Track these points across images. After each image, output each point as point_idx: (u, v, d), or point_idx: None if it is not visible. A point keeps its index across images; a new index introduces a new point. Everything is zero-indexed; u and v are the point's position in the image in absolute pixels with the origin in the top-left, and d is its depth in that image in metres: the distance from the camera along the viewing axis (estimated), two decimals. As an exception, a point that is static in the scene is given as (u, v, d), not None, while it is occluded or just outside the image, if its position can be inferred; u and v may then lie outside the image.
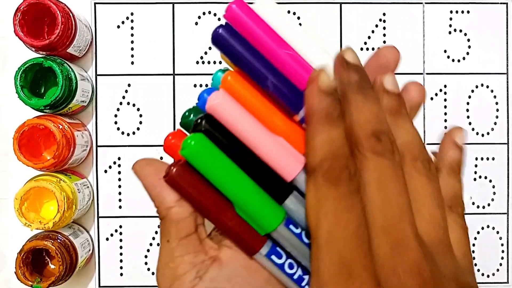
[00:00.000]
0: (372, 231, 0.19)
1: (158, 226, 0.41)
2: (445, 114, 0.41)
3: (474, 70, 0.41)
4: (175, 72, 0.40)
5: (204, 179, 0.19)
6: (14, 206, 0.34)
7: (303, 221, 0.20)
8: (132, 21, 0.40)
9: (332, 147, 0.19)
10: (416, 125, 0.39)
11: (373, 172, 0.19)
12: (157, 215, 0.21)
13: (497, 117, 0.41)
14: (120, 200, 0.41)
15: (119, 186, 0.40)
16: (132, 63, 0.40)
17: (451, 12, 0.41)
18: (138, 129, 0.41)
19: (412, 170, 0.20)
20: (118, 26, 0.40)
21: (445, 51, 0.41)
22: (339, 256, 0.18)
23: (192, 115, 0.22)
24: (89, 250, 0.40)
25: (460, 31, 0.41)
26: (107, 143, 0.40)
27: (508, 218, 0.42)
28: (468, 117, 0.41)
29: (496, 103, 0.41)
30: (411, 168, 0.20)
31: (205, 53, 0.40)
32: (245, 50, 0.20)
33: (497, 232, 0.42)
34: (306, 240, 0.21)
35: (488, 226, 0.42)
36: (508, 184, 0.42)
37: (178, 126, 0.40)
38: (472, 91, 0.41)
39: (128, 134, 0.40)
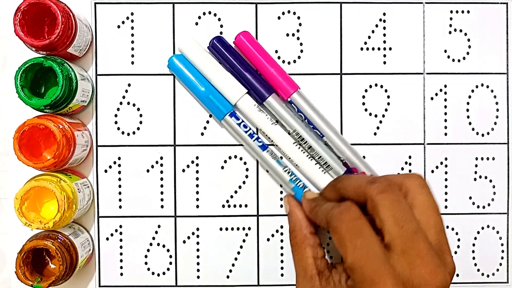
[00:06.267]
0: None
1: (158, 226, 0.41)
2: (445, 114, 0.41)
3: (474, 70, 0.41)
4: (175, 72, 0.40)
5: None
6: (14, 206, 0.34)
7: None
8: (132, 21, 0.40)
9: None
10: (416, 125, 0.40)
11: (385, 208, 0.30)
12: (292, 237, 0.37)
13: (497, 117, 0.41)
14: (120, 200, 0.41)
15: (119, 186, 0.40)
16: (132, 63, 0.40)
17: (451, 12, 0.41)
18: (138, 129, 0.41)
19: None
20: (118, 26, 0.40)
21: (445, 51, 0.41)
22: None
23: None
24: (89, 250, 0.40)
25: (460, 31, 0.41)
26: (107, 143, 0.40)
27: (508, 218, 0.42)
28: (468, 117, 0.41)
29: (496, 103, 0.41)
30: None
31: (205, 53, 0.40)
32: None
33: (497, 232, 0.42)
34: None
35: (488, 226, 0.42)
36: (508, 184, 0.42)
37: (178, 126, 0.40)
38: (472, 91, 0.41)
39: (128, 134, 0.40)
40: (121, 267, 0.41)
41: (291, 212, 0.38)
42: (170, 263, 0.41)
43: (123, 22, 0.40)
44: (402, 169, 0.41)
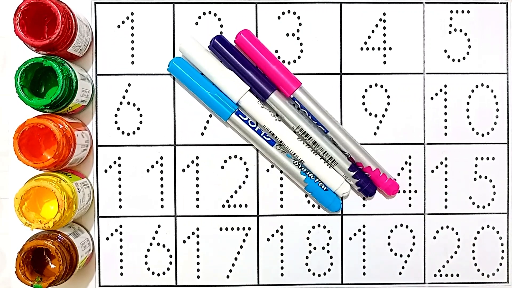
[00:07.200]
0: None
1: (158, 226, 0.41)
2: (445, 114, 0.41)
3: (474, 70, 0.41)
4: (175, 72, 0.40)
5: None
6: (14, 206, 0.34)
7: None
8: (132, 21, 0.40)
9: None
10: (416, 125, 0.40)
11: None
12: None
13: (497, 117, 0.41)
14: (120, 200, 0.41)
15: (119, 186, 0.40)
16: (132, 63, 0.40)
17: (451, 12, 0.41)
18: (138, 129, 0.41)
19: None
20: (118, 26, 0.40)
21: (445, 51, 0.41)
22: None
23: None
24: (89, 249, 0.40)
25: (460, 31, 0.41)
26: (107, 143, 0.40)
27: (508, 218, 0.42)
28: (468, 117, 0.41)
29: (496, 103, 0.41)
30: None
31: (205, 53, 0.40)
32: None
33: (497, 232, 0.42)
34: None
35: (488, 226, 0.42)
36: (508, 184, 0.42)
37: (178, 126, 0.40)
38: (472, 91, 0.41)
39: (128, 134, 0.41)
40: (121, 267, 0.41)
41: None
42: (170, 263, 0.41)
43: (123, 22, 0.40)
44: (402, 169, 0.41)
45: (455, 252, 0.42)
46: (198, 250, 0.41)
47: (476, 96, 0.41)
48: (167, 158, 0.41)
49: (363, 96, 0.41)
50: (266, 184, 0.41)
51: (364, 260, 0.41)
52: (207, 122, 0.41)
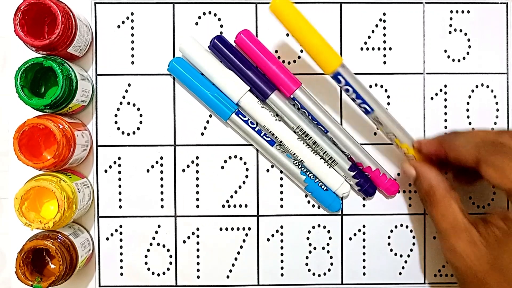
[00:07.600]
0: None
1: (158, 226, 0.41)
2: (445, 114, 0.41)
3: (474, 70, 0.41)
4: (175, 72, 0.40)
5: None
6: (14, 206, 0.34)
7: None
8: (132, 21, 0.40)
9: None
10: (416, 125, 0.39)
11: None
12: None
13: (497, 117, 0.41)
14: (120, 200, 0.41)
15: (119, 186, 0.40)
16: (132, 63, 0.40)
17: (451, 12, 0.41)
18: (138, 129, 0.41)
19: None
20: (118, 26, 0.40)
21: (445, 51, 0.41)
22: None
23: None
24: (89, 250, 0.40)
25: (460, 31, 0.41)
26: (107, 143, 0.40)
27: (508, 218, 0.42)
28: (468, 117, 0.41)
29: (496, 103, 0.41)
30: None
31: (205, 53, 0.40)
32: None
33: (497, 232, 0.42)
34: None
35: (488, 226, 0.42)
36: (508, 184, 0.42)
37: (178, 126, 0.40)
38: (472, 91, 0.41)
39: (128, 134, 0.41)
40: (121, 267, 0.41)
41: (422, 172, 0.37)
42: (170, 263, 0.41)
43: (123, 22, 0.40)
44: (402, 169, 0.41)
45: (455, 252, 0.42)
46: (198, 250, 0.41)
47: (476, 96, 0.41)
48: (167, 158, 0.41)
49: (363, 96, 0.41)
50: (266, 184, 0.41)
51: (364, 260, 0.41)
52: (207, 122, 0.41)
